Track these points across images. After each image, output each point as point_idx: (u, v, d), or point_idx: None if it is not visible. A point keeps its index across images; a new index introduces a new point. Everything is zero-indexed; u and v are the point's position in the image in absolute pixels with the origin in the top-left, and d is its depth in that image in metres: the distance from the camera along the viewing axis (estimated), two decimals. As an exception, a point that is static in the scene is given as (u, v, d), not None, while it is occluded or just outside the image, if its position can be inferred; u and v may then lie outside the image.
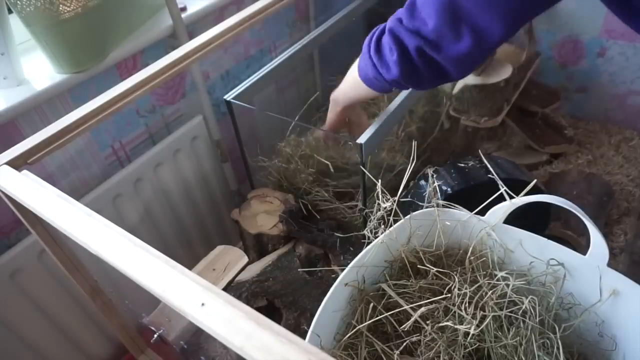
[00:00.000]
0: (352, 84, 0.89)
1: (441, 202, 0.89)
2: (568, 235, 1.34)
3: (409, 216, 0.86)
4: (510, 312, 0.78)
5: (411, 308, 0.75)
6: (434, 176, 1.19)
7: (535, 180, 0.90)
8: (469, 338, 0.75)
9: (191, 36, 1.19)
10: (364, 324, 0.77)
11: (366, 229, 0.87)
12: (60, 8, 0.87)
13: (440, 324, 0.77)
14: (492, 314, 0.77)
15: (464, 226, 0.89)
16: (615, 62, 1.65)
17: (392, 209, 0.84)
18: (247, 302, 1.08)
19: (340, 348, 0.78)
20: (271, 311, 1.17)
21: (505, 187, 0.85)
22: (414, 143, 0.90)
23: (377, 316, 0.78)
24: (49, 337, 1.08)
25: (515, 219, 1.23)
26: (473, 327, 0.72)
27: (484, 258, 0.86)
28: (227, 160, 1.40)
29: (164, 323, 0.97)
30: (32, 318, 1.03)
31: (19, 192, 0.64)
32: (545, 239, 0.84)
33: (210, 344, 1.03)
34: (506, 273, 0.81)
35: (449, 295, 0.79)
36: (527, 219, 1.25)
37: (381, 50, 0.72)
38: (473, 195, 1.15)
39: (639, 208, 1.47)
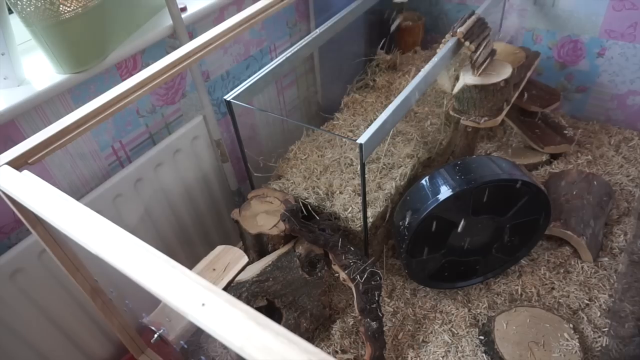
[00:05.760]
0: None
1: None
2: (568, 235, 1.34)
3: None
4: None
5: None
6: (438, 177, 1.19)
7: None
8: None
9: (191, 36, 1.19)
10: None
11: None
12: (61, 8, 0.87)
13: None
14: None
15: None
16: (615, 62, 1.65)
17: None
18: (247, 302, 1.08)
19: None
20: (271, 311, 1.17)
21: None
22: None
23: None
24: (49, 337, 1.08)
25: (514, 214, 1.24)
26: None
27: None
28: (227, 160, 1.40)
29: (164, 323, 0.97)
30: (32, 318, 1.04)
31: (19, 192, 0.64)
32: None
33: (210, 344, 1.03)
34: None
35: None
36: (527, 216, 1.25)
37: None
38: (475, 195, 1.15)
39: (639, 208, 1.47)
